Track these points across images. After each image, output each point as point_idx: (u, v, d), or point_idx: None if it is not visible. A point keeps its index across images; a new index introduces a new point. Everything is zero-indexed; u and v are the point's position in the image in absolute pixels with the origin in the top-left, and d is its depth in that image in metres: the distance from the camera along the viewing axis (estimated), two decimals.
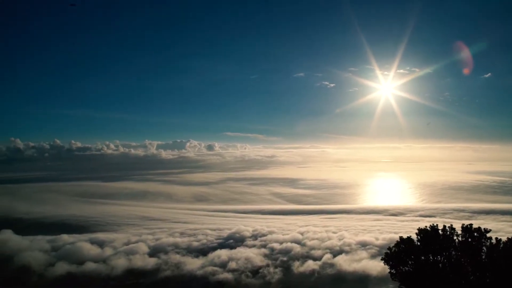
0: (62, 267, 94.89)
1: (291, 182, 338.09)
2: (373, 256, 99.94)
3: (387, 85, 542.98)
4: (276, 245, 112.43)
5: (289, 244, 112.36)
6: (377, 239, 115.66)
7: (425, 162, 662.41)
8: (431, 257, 23.93)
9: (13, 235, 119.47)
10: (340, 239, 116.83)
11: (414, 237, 25.35)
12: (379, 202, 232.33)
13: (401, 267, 24.31)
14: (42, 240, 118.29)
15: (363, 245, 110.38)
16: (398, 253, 24.61)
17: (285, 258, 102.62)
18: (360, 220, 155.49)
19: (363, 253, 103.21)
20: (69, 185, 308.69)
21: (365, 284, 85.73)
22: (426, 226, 25.53)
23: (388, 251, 25.30)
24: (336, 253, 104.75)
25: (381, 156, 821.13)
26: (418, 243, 24.59)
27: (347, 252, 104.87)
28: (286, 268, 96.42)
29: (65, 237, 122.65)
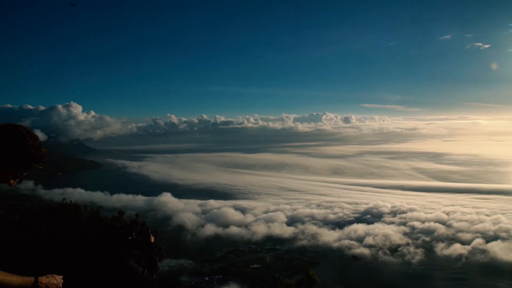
0: (210, 229, 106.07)
1: (435, 156, 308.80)
2: None
3: None
4: (417, 224, 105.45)
5: (432, 224, 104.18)
6: None
7: None
8: None
9: (171, 197, 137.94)
10: (495, 223, 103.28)
11: None
12: None
13: None
14: (194, 204, 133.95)
15: None
16: None
17: (427, 239, 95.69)
18: None
19: None
20: (215, 156, 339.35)
21: None
22: None
23: None
24: (489, 238, 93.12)
25: None
26: None
27: (504, 239, 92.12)
28: (428, 249, 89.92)
29: (212, 202, 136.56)
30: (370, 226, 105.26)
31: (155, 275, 3.81)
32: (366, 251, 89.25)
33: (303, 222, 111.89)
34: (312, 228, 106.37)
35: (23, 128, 2.11)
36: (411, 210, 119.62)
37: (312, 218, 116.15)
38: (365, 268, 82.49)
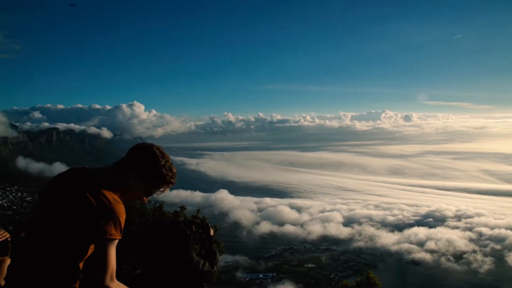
0: (265, 226, 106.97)
1: (506, 158, 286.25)
2: None
3: None
4: (486, 230, 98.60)
5: (503, 231, 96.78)
6: None
7: None
8: None
9: (228, 194, 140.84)
10: None
11: None
12: None
13: None
14: (250, 201, 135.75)
15: None
16: None
17: (497, 247, 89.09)
18: None
19: None
20: (271, 154, 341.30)
21: None
22: None
23: None
24: None
25: None
26: None
27: None
28: (498, 258, 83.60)
29: (268, 200, 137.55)
30: (432, 230, 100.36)
31: (216, 267, 3.96)
32: (427, 256, 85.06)
33: (360, 223, 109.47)
34: (369, 230, 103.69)
35: (156, 148, 2.16)
36: (478, 214, 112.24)
37: (370, 220, 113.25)
38: (426, 274, 78.67)
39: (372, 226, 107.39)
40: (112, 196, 1.92)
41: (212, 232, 4.07)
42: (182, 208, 9.08)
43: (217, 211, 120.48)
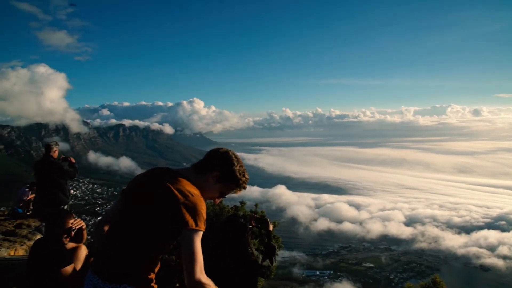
0: (323, 223, 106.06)
1: None
2: None
3: None
4: None
5: None
6: None
7: None
8: None
9: (285, 190, 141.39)
10: None
11: None
12: None
13: None
14: (307, 197, 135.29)
15: None
16: None
17: None
18: None
19: None
20: (329, 150, 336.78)
21: None
22: None
23: None
24: None
25: None
26: None
27: None
28: None
29: (326, 197, 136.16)
30: (505, 234, 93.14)
31: (274, 262, 3.99)
32: (499, 262, 79.07)
33: (423, 223, 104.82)
34: (433, 231, 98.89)
35: (232, 153, 2.42)
36: None
37: (434, 220, 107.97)
38: (497, 281, 73.11)
39: (436, 227, 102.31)
40: (194, 190, 2.10)
41: (271, 227, 4.11)
42: (242, 203, 9.33)
43: (274, 207, 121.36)
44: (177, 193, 2.00)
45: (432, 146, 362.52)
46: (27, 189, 8.71)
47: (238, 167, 2.31)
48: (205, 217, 2.03)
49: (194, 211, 1.97)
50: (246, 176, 2.38)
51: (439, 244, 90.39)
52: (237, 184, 2.33)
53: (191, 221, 1.94)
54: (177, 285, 6.74)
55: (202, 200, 2.09)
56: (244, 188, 2.39)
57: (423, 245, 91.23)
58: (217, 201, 2.38)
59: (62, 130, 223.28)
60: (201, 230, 1.97)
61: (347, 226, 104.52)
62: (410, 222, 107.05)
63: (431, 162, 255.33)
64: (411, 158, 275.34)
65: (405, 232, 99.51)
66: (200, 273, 1.90)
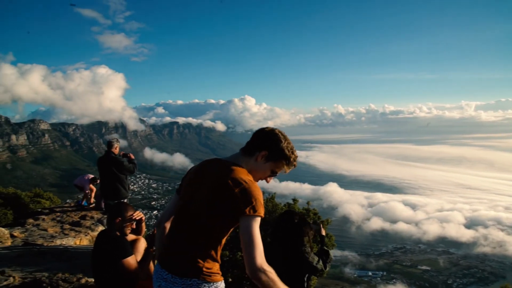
0: (376, 223, 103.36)
1: None
2: None
3: None
4: None
5: None
6: None
7: None
8: None
9: (337, 188, 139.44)
10: None
11: None
12: None
13: None
14: (360, 196, 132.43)
15: None
16: None
17: None
18: None
19: None
20: (383, 147, 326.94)
21: None
22: None
23: None
24: None
25: None
26: None
27: None
28: None
29: (379, 195, 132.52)
30: None
31: (328, 267, 3.95)
32: None
33: (486, 226, 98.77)
34: (497, 234, 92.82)
35: (279, 131, 2.35)
36: None
37: (498, 223, 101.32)
38: None
39: (502, 230, 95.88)
40: (247, 177, 2.10)
41: (324, 232, 4.13)
42: (295, 200, 9.35)
43: (326, 205, 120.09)
44: (230, 182, 2.01)
45: (496, 143, 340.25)
46: (87, 178, 9.14)
47: (285, 144, 2.26)
48: (262, 202, 2.03)
49: (250, 198, 1.97)
50: (295, 153, 2.32)
51: (505, 249, 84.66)
52: (288, 160, 2.27)
53: (248, 208, 1.94)
54: (230, 280, 6.96)
55: (257, 186, 2.08)
56: (294, 165, 2.33)
57: (486, 249, 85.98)
58: (269, 180, 2.33)
59: (120, 128, 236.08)
60: (259, 216, 1.98)
61: (401, 227, 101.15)
62: (471, 224, 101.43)
63: (495, 161, 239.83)
64: (471, 156, 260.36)
65: (466, 234, 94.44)
66: (261, 259, 1.89)
